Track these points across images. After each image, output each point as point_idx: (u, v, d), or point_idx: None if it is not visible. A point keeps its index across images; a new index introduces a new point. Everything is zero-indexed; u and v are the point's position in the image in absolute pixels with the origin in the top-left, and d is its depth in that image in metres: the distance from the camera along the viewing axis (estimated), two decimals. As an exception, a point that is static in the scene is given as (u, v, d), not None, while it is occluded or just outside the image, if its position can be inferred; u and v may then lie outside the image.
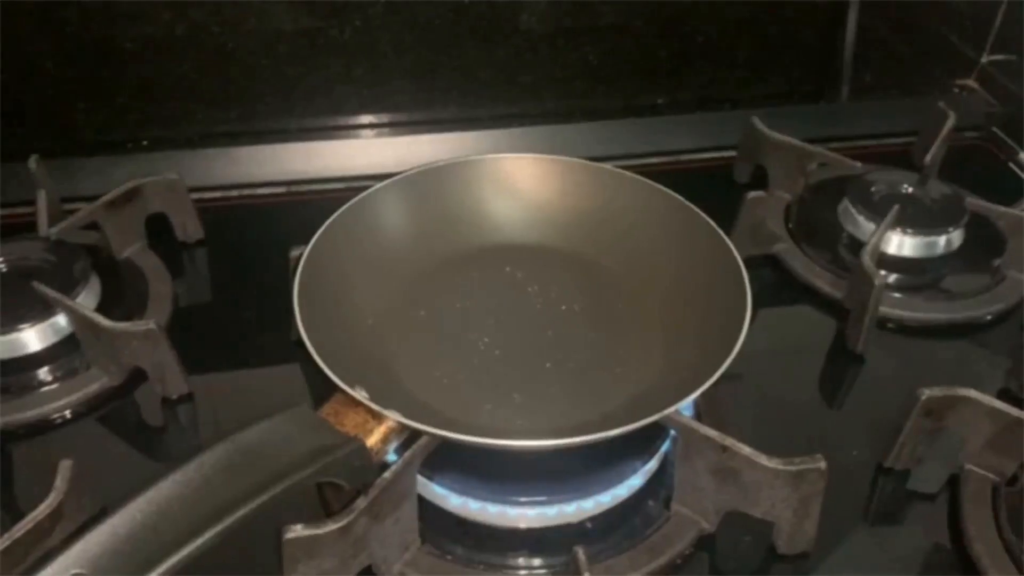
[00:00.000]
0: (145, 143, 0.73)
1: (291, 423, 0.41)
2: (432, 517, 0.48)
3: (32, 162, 0.63)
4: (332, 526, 0.41)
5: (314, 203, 0.71)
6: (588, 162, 0.62)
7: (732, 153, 0.74)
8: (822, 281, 0.63)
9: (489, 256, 0.60)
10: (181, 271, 0.65)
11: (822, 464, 0.44)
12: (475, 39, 0.73)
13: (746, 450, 0.45)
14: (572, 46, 0.75)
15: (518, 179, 0.62)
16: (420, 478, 0.46)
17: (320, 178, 0.73)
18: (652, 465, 0.49)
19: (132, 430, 0.55)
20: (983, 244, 0.65)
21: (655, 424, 0.45)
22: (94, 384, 0.55)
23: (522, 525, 0.47)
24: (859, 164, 0.69)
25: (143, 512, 0.35)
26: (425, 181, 0.60)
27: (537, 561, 0.47)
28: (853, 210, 0.66)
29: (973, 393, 0.48)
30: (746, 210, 0.63)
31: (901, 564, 0.48)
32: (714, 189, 0.70)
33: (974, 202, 0.66)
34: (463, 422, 0.47)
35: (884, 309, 0.59)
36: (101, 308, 0.57)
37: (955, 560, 0.47)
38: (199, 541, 0.35)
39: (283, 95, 0.73)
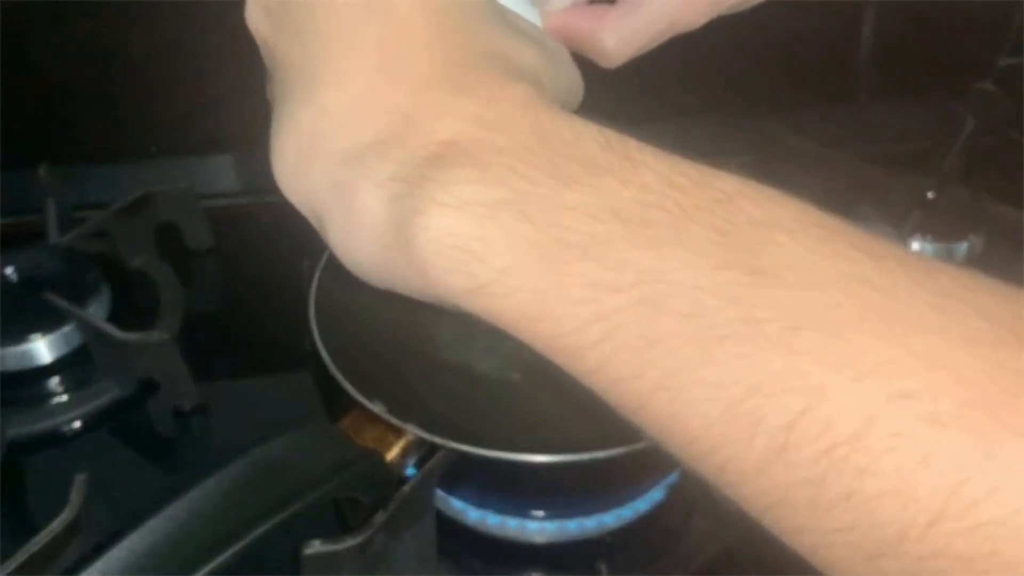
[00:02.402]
0: (153, 150, 0.72)
1: (310, 437, 0.40)
2: (450, 531, 0.47)
3: (42, 170, 0.62)
4: (351, 542, 0.40)
5: (325, 210, 0.70)
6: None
7: (749, 157, 0.73)
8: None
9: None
10: (192, 280, 0.64)
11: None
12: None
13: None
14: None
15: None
16: (438, 492, 0.46)
17: (331, 185, 0.72)
18: (674, 479, 0.48)
19: (144, 441, 0.54)
20: (1005, 249, 0.64)
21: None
22: (106, 395, 0.54)
23: (541, 540, 0.47)
24: (877, 168, 0.68)
25: (163, 528, 0.34)
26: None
27: (556, 576, 0.46)
28: (871, 215, 0.65)
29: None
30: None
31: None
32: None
33: (994, 207, 0.65)
34: (482, 436, 0.47)
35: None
36: (112, 318, 0.57)
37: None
38: (220, 557, 0.34)
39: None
